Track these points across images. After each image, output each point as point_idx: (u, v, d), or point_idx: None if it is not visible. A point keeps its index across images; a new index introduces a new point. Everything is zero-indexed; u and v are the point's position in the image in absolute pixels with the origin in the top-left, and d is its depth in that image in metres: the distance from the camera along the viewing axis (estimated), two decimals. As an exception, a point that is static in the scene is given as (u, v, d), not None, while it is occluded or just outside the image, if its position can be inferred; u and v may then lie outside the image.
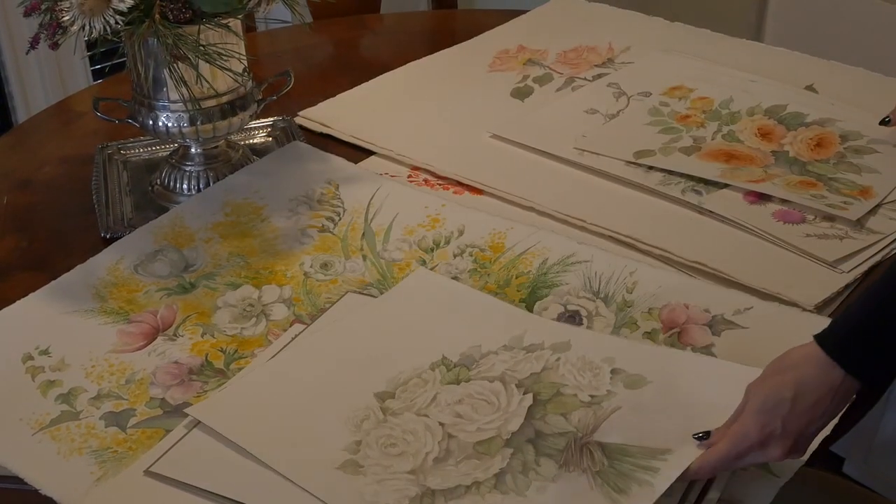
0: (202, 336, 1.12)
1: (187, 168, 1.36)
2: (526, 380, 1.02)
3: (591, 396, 0.99)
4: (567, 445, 0.94)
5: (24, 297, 1.17)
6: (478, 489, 0.91)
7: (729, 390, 0.95)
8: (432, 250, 1.24)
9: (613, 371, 1.02)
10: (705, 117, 1.48)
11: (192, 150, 1.37)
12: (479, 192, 1.36)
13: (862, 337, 0.88)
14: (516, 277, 1.19)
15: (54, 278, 1.19)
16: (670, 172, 1.35)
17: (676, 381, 1.00)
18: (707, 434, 0.92)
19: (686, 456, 0.91)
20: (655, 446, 0.93)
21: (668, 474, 0.90)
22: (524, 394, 1.01)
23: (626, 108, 1.52)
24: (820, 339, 0.89)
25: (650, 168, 1.36)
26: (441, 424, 0.98)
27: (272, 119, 1.52)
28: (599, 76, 1.63)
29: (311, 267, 1.22)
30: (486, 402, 1.00)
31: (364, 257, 1.23)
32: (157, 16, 1.16)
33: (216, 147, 1.38)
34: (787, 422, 0.88)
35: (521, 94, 1.60)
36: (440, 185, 1.38)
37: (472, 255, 1.23)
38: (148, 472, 0.95)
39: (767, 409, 0.88)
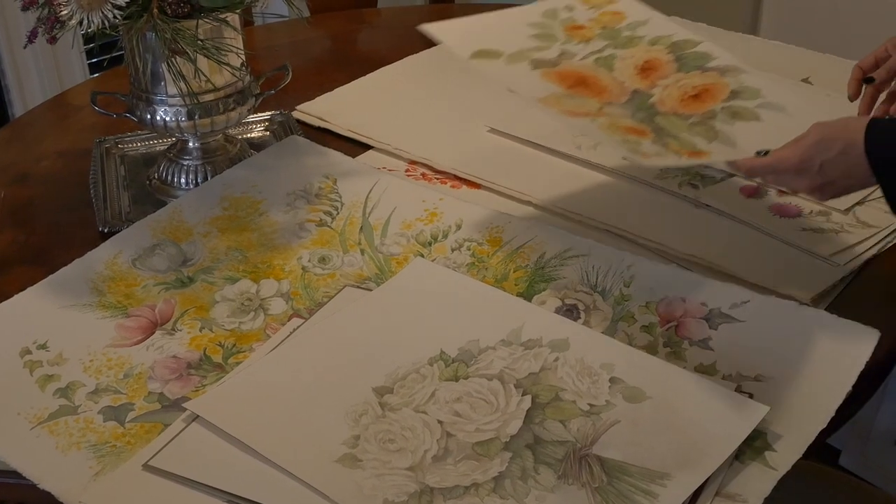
0: (200, 330, 1.12)
1: (185, 162, 1.36)
2: (524, 380, 1.02)
3: (590, 405, 1.00)
4: (566, 455, 0.94)
5: (21, 291, 1.17)
6: (476, 491, 0.91)
7: (728, 419, 0.96)
8: (430, 244, 1.24)
9: (612, 380, 1.02)
10: (599, 34, 1.27)
11: (190, 144, 1.37)
12: (477, 186, 1.36)
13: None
14: (514, 271, 1.19)
15: (52, 272, 1.19)
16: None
17: (675, 400, 0.99)
18: (766, 153, 1.06)
19: (684, 486, 0.91)
20: (654, 468, 0.93)
21: (667, 503, 0.90)
22: (523, 395, 1.01)
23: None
24: (869, 127, 1.01)
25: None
26: (440, 422, 0.98)
27: (270, 113, 1.52)
28: (597, 70, 1.63)
29: (309, 261, 1.22)
30: (484, 402, 1.00)
31: (362, 251, 1.23)
32: (155, 10, 1.16)
33: (214, 141, 1.38)
34: (825, 164, 1.02)
35: (519, 87, 1.60)
36: (438, 179, 1.38)
37: (469, 249, 1.23)
38: (146, 467, 0.95)
39: (818, 146, 1.02)
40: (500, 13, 1.29)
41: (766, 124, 1.13)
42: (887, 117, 1.02)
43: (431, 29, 1.18)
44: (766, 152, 1.05)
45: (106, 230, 1.27)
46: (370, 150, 1.45)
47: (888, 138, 1.01)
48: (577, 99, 1.14)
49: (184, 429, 0.99)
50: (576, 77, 1.17)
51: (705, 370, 1.04)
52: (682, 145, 1.08)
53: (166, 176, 1.36)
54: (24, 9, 1.16)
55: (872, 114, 1.38)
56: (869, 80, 1.38)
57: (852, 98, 1.41)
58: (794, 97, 1.19)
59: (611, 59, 1.22)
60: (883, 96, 1.39)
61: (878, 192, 1.27)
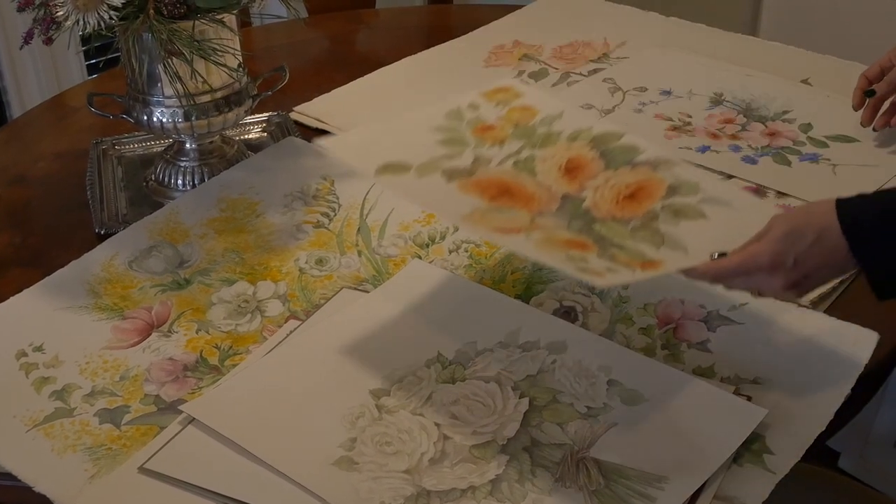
0: (197, 332, 1.12)
1: (182, 163, 1.36)
2: (522, 382, 1.02)
3: (588, 408, 0.99)
4: (563, 458, 0.94)
5: (18, 293, 1.16)
6: (473, 494, 0.91)
7: (726, 421, 0.96)
8: (428, 246, 1.24)
9: (610, 382, 1.02)
10: (512, 133, 1.14)
11: (187, 145, 1.36)
12: (475, 187, 1.36)
13: (877, 227, 0.92)
14: (511, 273, 1.18)
15: (48, 274, 1.19)
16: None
17: (673, 403, 0.99)
18: (724, 255, 0.95)
19: (682, 489, 0.90)
20: (652, 471, 0.92)
21: None
22: (520, 398, 1.00)
23: (620, 103, 1.52)
24: (839, 206, 0.92)
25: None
26: (437, 425, 0.98)
27: (267, 114, 1.51)
28: (595, 71, 1.63)
29: (306, 263, 1.22)
30: (481, 404, 1.00)
31: (359, 253, 1.23)
32: (151, 11, 1.16)
33: (211, 142, 1.38)
34: (800, 258, 0.92)
35: (517, 89, 1.59)
36: (435, 180, 1.38)
37: (467, 251, 1.22)
38: (142, 469, 0.94)
39: (788, 239, 0.93)
40: (401, 118, 1.18)
41: (713, 222, 1.02)
42: (854, 195, 0.95)
43: (328, 145, 1.09)
44: (724, 254, 0.95)
45: (102, 232, 1.27)
46: (368, 152, 1.45)
47: (862, 212, 0.93)
48: (504, 212, 1.02)
49: (180, 431, 0.98)
50: (497, 186, 1.05)
51: (703, 372, 1.04)
52: (631, 256, 0.97)
53: (163, 177, 1.36)
54: (21, 10, 1.16)
55: (874, 123, 1.39)
56: (870, 94, 1.39)
57: (856, 108, 1.42)
58: (735, 190, 1.14)
59: (530, 161, 1.10)
60: (886, 105, 1.39)
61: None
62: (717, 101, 1.53)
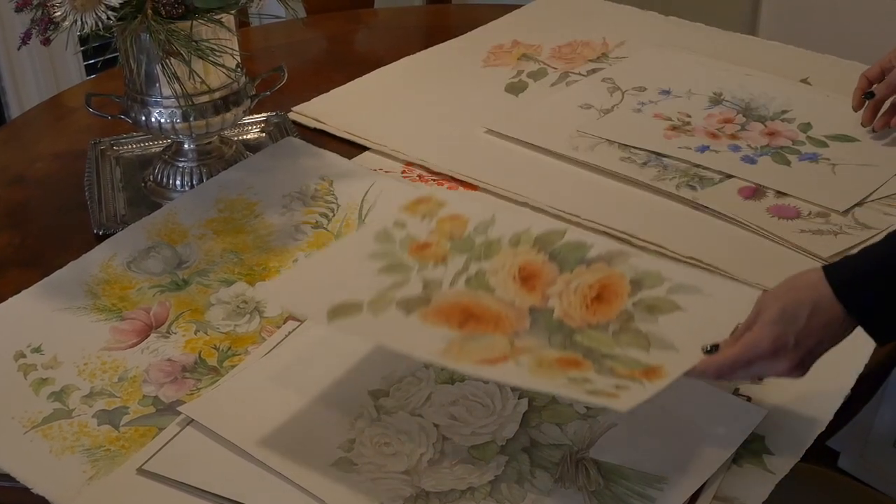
0: (195, 333, 1.12)
1: (180, 164, 1.36)
2: None
3: (587, 408, 0.99)
4: (562, 459, 0.94)
5: (16, 294, 1.16)
6: (472, 495, 0.91)
7: (725, 419, 0.96)
8: (426, 246, 1.23)
9: None
10: (451, 247, 1.08)
11: (185, 146, 1.36)
12: (474, 187, 1.36)
13: (869, 282, 0.89)
14: (510, 273, 1.18)
15: (47, 275, 1.19)
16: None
17: (673, 403, 0.98)
18: (716, 347, 0.93)
19: (682, 490, 0.90)
20: (651, 472, 0.92)
21: None
22: (519, 398, 1.00)
23: (619, 102, 1.52)
24: (828, 272, 0.90)
25: (645, 164, 1.36)
26: (435, 426, 0.98)
27: (266, 115, 1.51)
28: (594, 71, 1.63)
29: (304, 263, 1.22)
30: (480, 405, 1.00)
31: (358, 253, 1.23)
32: (149, 11, 1.15)
33: (209, 143, 1.37)
34: (799, 337, 0.89)
35: (516, 89, 1.60)
36: (434, 180, 1.38)
37: (466, 252, 1.22)
38: (141, 471, 0.94)
39: (784, 320, 0.90)
40: (329, 251, 1.13)
41: (690, 313, 0.99)
42: (838, 259, 0.94)
43: (267, 293, 1.08)
44: (716, 346, 0.93)
45: (101, 232, 1.27)
46: (367, 152, 1.45)
47: (851, 273, 0.91)
48: (480, 340, 0.96)
49: (178, 432, 0.98)
50: (460, 311, 0.99)
51: (703, 373, 1.04)
52: (628, 366, 0.93)
53: (161, 178, 1.36)
54: (18, 10, 1.16)
55: (874, 124, 1.39)
56: (869, 96, 1.39)
57: (856, 109, 1.42)
58: (698, 273, 1.09)
59: (482, 276, 1.04)
60: (886, 105, 1.39)
61: (878, 194, 1.28)
62: (716, 100, 1.53)
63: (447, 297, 1.00)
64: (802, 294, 0.90)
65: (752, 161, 1.37)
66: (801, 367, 0.91)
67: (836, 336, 0.91)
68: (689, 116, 1.49)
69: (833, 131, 1.43)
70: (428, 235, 1.09)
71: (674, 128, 1.46)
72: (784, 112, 1.49)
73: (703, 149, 1.40)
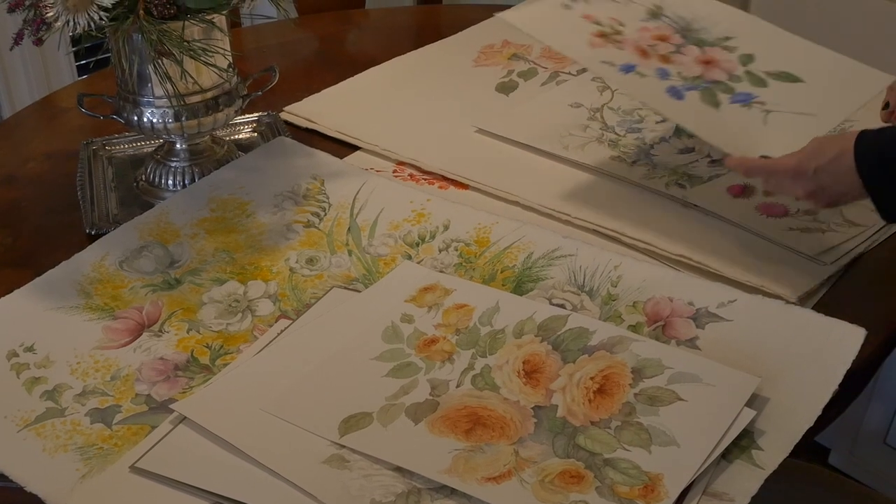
0: (188, 332, 1.12)
1: (172, 164, 1.36)
2: None
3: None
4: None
5: (8, 293, 1.16)
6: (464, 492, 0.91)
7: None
8: (418, 245, 1.24)
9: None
10: (457, 342, 1.08)
11: (177, 145, 1.36)
12: (465, 186, 1.36)
13: (886, 164, 1.03)
14: (501, 272, 1.19)
15: (39, 275, 1.19)
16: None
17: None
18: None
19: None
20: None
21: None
22: None
23: (609, 101, 1.53)
24: (859, 138, 1.04)
25: (634, 163, 1.37)
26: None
27: (257, 115, 1.52)
28: (583, 70, 1.63)
29: (296, 262, 1.22)
30: None
31: (350, 252, 1.23)
32: (141, 12, 1.16)
33: (201, 143, 1.38)
34: (819, 170, 1.06)
35: (506, 88, 1.61)
36: (425, 179, 1.38)
37: (457, 250, 1.23)
38: (134, 469, 0.95)
39: (812, 152, 1.07)
40: (336, 356, 1.07)
41: (692, 404, 0.98)
42: (877, 128, 1.05)
43: (276, 405, 1.01)
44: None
45: (93, 232, 1.27)
46: (358, 151, 1.45)
47: (875, 144, 1.03)
48: (486, 451, 0.94)
49: (171, 430, 0.98)
50: (467, 417, 0.98)
51: (692, 370, 1.04)
52: (629, 478, 0.91)
53: (153, 178, 1.36)
54: (11, 10, 1.16)
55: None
56: (885, 107, 1.37)
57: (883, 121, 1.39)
58: (699, 360, 1.04)
59: (487, 373, 1.03)
60: None
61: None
62: (655, 13, 1.36)
63: (454, 400, 1.00)
64: (840, 140, 1.05)
65: (678, 95, 1.25)
66: (814, 196, 1.09)
67: (852, 189, 1.05)
68: (623, 25, 1.32)
69: (777, 67, 1.30)
70: (435, 329, 1.09)
71: (602, 34, 1.30)
72: (727, 39, 1.33)
73: (629, 68, 1.26)
